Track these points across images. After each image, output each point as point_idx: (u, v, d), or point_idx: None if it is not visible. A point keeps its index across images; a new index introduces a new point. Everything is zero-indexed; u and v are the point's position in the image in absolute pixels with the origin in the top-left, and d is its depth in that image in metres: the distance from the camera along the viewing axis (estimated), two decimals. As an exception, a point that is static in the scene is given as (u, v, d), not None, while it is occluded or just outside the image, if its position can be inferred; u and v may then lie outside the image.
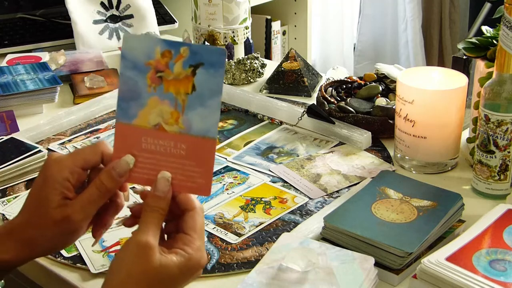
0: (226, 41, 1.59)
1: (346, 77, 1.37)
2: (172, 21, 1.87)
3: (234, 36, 1.60)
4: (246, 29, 1.62)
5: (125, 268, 0.68)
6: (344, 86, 1.34)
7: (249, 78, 1.51)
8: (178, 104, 0.70)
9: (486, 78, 1.03)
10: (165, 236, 0.74)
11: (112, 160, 0.71)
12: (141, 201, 0.73)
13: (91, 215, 0.72)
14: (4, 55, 1.65)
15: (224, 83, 1.48)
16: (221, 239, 0.95)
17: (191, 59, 0.69)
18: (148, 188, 0.73)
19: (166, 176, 0.71)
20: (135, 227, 0.97)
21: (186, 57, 0.69)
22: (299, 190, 1.07)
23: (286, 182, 1.10)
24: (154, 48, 0.69)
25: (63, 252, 0.93)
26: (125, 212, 0.77)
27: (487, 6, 2.88)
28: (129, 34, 0.70)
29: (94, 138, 1.27)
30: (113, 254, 0.92)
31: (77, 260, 0.92)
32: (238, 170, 1.14)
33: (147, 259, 0.67)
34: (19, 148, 1.14)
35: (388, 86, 1.32)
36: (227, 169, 1.14)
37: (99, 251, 0.93)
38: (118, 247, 0.93)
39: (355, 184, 1.08)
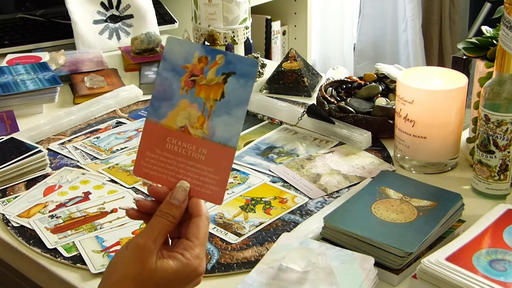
0: (226, 41, 1.59)
1: (346, 77, 1.37)
2: (172, 21, 1.87)
3: (234, 36, 1.60)
4: (246, 29, 1.62)
5: (121, 269, 0.68)
6: (344, 86, 1.34)
7: (249, 78, 1.51)
8: (205, 109, 0.71)
9: (486, 78, 1.03)
10: (170, 241, 0.74)
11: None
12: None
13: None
14: (4, 55, 1.65)
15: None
16: (221, 239, 0.95)
17: (224, 67, 0.71)
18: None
19: (184, 185, 0.72)
20: (134, 227, 0.98)
21: (221, 65, 0.71)
22: (299, 190, 1.07)
23: (286, 182, 1.10)
24: (193, 53, 0.71)
25: (63, 252, 0.93)
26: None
27: (487, 6, 2.88)
28: (172, 37, 0.72)
29: (94, 138, 1.27)
30: (113, 254, 0.92)
31: (77, 260, 0.92)
32: (238, 170, 1.14)
33: (144, 262, 0.67)
34: (19, 148, 1.14)
35: (388, 86, 1.32)
36: (227, 169, 1.14)
37: (99, 251, 0.93)
38: (118, 247, 0.93)
39: (355, 184, 1.07)
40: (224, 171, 0.72)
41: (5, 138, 1.19)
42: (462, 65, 1.20)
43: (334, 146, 1.21)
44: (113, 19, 1.76)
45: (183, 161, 0.72)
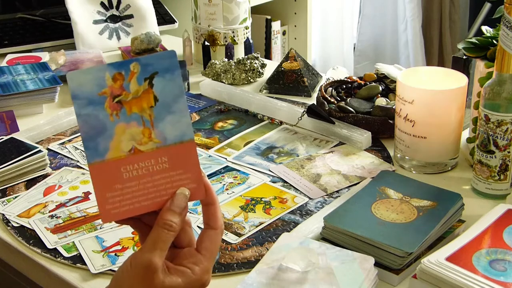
0: (226, 41, 1.59)
1: (346, 77, 1.37)
2: (172, 21, 1.87)
3: (234, 36, 1.60)
4: (246, 29, 1.62)
5: None
6: (344, 86, 1.34)
7: (249, 78, 1.51)
8: (145, 120, 0.68)
9: (486, 78, 1.03)
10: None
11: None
12: None
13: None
14: (4, 55, 1.65)
15: (224, 83, 1.48)
16: (221, 239, 0.95)
17: (143, 72, 0.67)
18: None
19: (185, 192, 0.68)
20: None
21: (138, 72, 0.67)
22: (299, 190, 1.07)
23: (286, 182, 1.10)
24: (103, 76, 0.67)
25: (63, 252, 0.93)
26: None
27: (487, 6, 2.88)
28: (72, 72, 0.67)
29: (94, 138, 1.27)
30: (113, 254, 0.92)
31: (77, 260, 0.92)
32: (238, 170, 1.14)
33: (150, 281, 0.64)
34: (19, 148, 1.14)
35: (388, 86, 1.32)
36: (227, 169, 1.14)
37: (99, 251, 0.93)
38: (118, 247, 0.93)
39: (355, 184, 1.07)
40: (194, 166, 0.69)
41: (5, 138, 1.19)
42: (462, 65, 1.20)
43: (334, 146, 1.21)
44: (113, 19, 1.76)
45: (148, 180, 0.68)
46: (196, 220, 0.98)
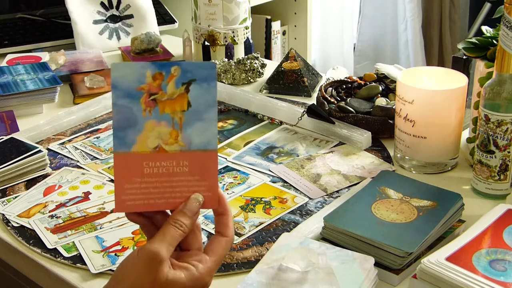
0: (226, 41, 1.59)
1: (346, 77, 1.37)
2: (172, 21, 1.87)
3: (234, 36, 1.60)
4: (246, 29, 1.62)
5: (132, 278, 0.67)
6: (344, 86, 1.34)
7: (249, 78, 1.51)
8: (175, 123, 0.70)
9: (486, 78, 1.03)
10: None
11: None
12: None
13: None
14: (4, 55, 1.65)
15: (224, 83, 1.48)
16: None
17: (183, 77, 0.70)
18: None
19: (199, 198, 0.70)
20: (134, 227, 0.97)
21: (178, 76, 0.70)
22: (299, 190, 1.07)
23: (286, 182, 1.10)
24: (144, 73, 0.69)
25: (63, 252, 0.93)
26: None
27: (487, 6, 2.88)
28: (117, 63, 0.69)
29: (94, 138, 1.27)
30: (113, 254, 0.92)
31: (77, 260, 0.92)
32: (238, 170, 1.14)
33: (155, 272, 0.66)
34: (19, 148, 1.14)
35: (388, 86, 1.32)
36: (227, 169, 1.14)
37: (99, 251, 0.93)
38: (118, 247, 0.93)
39: (355, 184, 1.07)
40: (212, 175, 0.71)
41: (5, 138, 1.19)
42: (462, 65, 1.20)
43: (334, 146, 1.21)
44: (113, 19, 1.76)
45: (167, 179, 0.70)
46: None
